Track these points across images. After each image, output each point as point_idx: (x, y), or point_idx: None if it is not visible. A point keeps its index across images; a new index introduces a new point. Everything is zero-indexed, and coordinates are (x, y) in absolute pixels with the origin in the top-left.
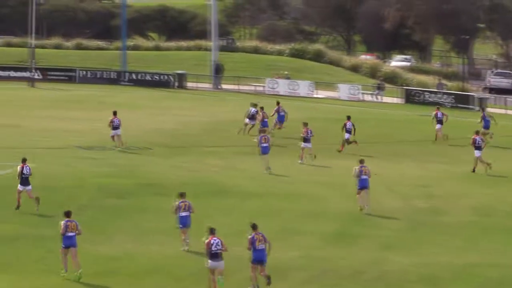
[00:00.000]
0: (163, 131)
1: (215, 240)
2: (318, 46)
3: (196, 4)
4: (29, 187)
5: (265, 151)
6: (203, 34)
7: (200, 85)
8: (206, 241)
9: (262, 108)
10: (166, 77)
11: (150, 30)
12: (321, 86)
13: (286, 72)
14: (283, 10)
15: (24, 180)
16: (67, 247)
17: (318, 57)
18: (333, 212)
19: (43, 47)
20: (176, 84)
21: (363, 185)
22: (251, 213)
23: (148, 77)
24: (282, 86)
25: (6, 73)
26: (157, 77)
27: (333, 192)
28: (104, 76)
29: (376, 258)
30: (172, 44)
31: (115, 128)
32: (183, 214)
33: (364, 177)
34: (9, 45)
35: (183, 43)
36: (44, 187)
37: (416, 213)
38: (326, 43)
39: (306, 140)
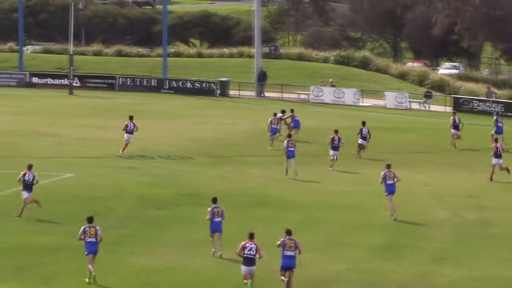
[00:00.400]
0: (204, 140)
1: (250, 244)
2: (364, 53)
3: (240, 10)
4: (29, 194)
5: (290, 155)
6: (247, 41)
7: (243, 93)
8: (242, 243)
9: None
10: (208, 85)
11: (192, 36)
12: (367, 94)
13: (331, 80)
14: (329, 16)
15: (27, 187)
16: (88, 253)
17: (364, 64)
18: (379, 223)
19: (82, 54)
20: (219, 92)
21: (389, 190)
22: (294, 224)
23: (189, 85)
24: (327, 94)
25: (44, 80)
26: (198, 85)
27: (378, 202)
28: (145, 84)
29: (425, 271)
30: (215, 51)
31: (129, 132)
32: (217, 220)
33: (389, 182)
34: (48, 51)
35: (226, 50)
36: (84, 198)
37: (465, 224)
38: (372, 50)
39: (334, 147)
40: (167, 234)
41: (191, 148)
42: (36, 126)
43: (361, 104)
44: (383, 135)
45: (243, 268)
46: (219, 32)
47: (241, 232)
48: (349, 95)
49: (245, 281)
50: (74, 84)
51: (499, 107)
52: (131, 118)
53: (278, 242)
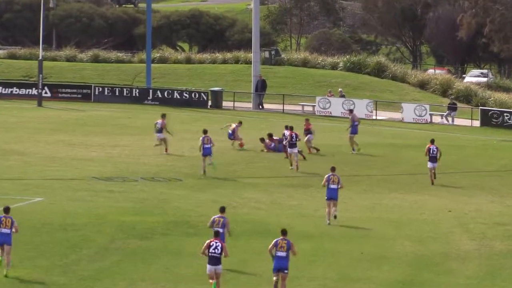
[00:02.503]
0: (194, 159)
1: (215, 243)
2: (378, 59)
3: (235, 9)
4: None
5: (206, 152)
6: (243, 45)
7: (238, 104)
8: (207, 242)
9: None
10: (198, 95)
11: (180, 39)
12: (382, 106)
13: (340, 89)
14: (338, 16)
15: None
16: (1, 244)
17: (378, 71)
18: (398, 255)
19: (53, 59)
20: (210, 103)
21: (330, 195)
22: (302, 257)
23: (177, 95)
24: (336, 106)
25: (9, 90)
26: (187, 95)
27: (397, 232)
28: (125, 94)
29: None
30: (206, 56)
31: (158, 131)
32: (216, 229)
33: (332, 186)
34: (13, 57)
35: (219, 55)
36: (55, 226)
37: (494, 256)
38: (388, 55)
39: (291, 145)
40: (151, 268)
41: (179, 168)
42: (0, 142)
43: (374, 117)
44: (399, 153)
45: (208, 266)
46: (211, 34)
47: (236, 266)
48: (361, 107)
49: (210, 280)
50: (44, 95)
51: None
52: (163, 116)
53: (270, 245)
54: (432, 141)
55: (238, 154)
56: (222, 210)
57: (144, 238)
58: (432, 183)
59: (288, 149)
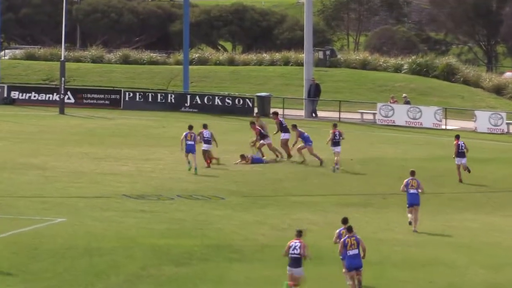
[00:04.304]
0: (237, 175)
1: (295, 243)
2: (448, 60)
3: (284, 3)
4: None
5: (189, 149)
6: (293, 44)
7: (288, 112)
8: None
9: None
10: (242, 101)
11: (221, 38)
12: (452, 114)
13: (405, 95)
14: (402, 11)
15: None
16: None
17: (448, 74)
18: (471, 285)
19: (77, 60)
20: (256, 110)
21: (412, 201)
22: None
23: (218, 102)
24: (399, 114)
25: (27, 95)
26: (230, 101)
27: (469, 257)
28: (159, 100)
29: None
30: (251, 57)
31: (206, 142)
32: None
33: (412, 191)
34: (32, 57)
35: (266, 56)
36: (79, 250)
37: None
38: (459, 55)
39: (334, 143)
40: None
41: (221, 185)
42: (17, 155)
43: (443, 126)
44: (472, 168)
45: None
46: (257, 32)
47: None
48: (428, 115)
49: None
50: (66, 100)
51: None
52: (204, 126)
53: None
54: (458, 137)
55: (289, 169)
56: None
57: (180, 264)
58: (461, 181)
59: (332, 148)
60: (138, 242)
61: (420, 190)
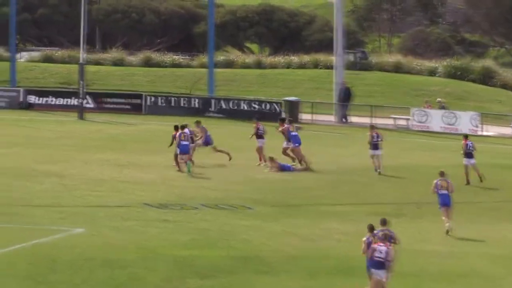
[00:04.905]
0: (265, 183)
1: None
2: (485, 63)
3: (314, 3)
4: None
5: (184, 150)
6: (323, 46)
7: (318, 117)
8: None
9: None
10: (270, 106)
11: (248, 39)
12: (490, 119)
13: (439, 100)
14: (437, 11)
15: None
16: None
17: (485, 78)
18: None
19: (97, 63)
20: (285, 115)
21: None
22: None
23: (245, 106)
24: (435, 119)
25: (44, 100)
26: (257, 106)
27: (507, 270)
28: (183, 105)
29: None
30: (279, 59)
31: (259, 137)
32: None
33: (443, 192)
34: (49, 60)
35: (295, 58)
36: (98, 262)
37: None
38: (496, 58)
39: (374, 146)
40: None
41: (248, 193)
42: (33, 162)
43: (480, 132)
44: (510, 176)
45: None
46: (286, 33)
47: None
48: (464, 121)
49: None
50: (86, 105)
51: None
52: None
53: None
54: (466, 137)
55: (318, 177)
56: (384, 222)
57: (205, 277)
58: (468, 183)
59: (371, 151)
60: (161, 253)
61: (450, 191)
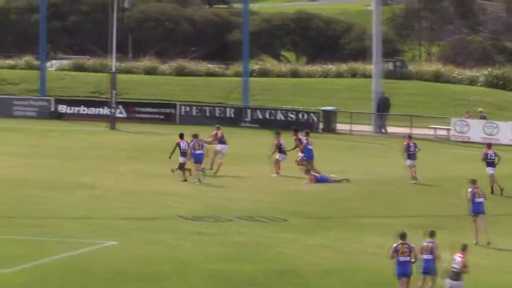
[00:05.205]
0: (301, 195)
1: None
2: None
3: (351, 11)
4: None
5: (198, 159)
6: (361, 55)
7: (356, 127)
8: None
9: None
10: (306, 115)
11: (284, 47)
12: None
13: (480, 110)
14: (477, 19)
15: None
16: None
17: None
18: None
19: (129, 71)
20: (322, 126)
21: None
22: None
23: (280, 116)
24: (475, 130)
25: (75, 109)
26: (293, 116)
27: None
28: (217, 115)
29: None
30: (316, 68)
31: (282, 151)
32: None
33: (478, 200)
34: (80, 68)
35: (332, 67)
36: (131, 276)
37: None
38: None
39: (410, 155)
40: None
41: (283, 205)
42: (64, 174)
43: None
44: None
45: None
46: (322, 41)
47: None
48: (505, 131)
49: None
50: (118, 115)
51: None
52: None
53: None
54: (489, 146)
55: (354, 188)
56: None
57: None
58: (492, 192)
59: (408, 161)
60: (195, 267)
61: (484, 199)
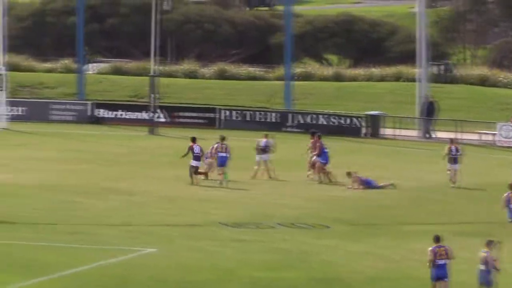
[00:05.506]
0: (344, 201)
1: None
2: None
3: (397, 13)
4: None
5: (222, 162)
6: (406, 58)
7: (401, 132)
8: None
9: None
10: (350, 120)
11: (327, 50)
12: None
13: None
14: None
15: None
16: None
17: None
18: None
19: (169, 75)
20: (366, 130)
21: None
22: None
23: (323, 121)
24: None
25: (113, 114)
26: (336, 121)
27: None
28: (258, 119)
29: None
30: (360, 71)
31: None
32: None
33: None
34: (119, 72)
35: (376, 71)
36: (172, 283)
37: None
38: None
39: (453, 159)
40: None
41: (325, 212)
42: (102, 179)
43: None
44: None
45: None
46: (366, 44)
47: None
48: None
49: None
50: (157, 119)
51: None
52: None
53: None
54: None
55: (400, 194)
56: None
57: None
58: None
59: (449, 165)
60: (237, 274)
61: None
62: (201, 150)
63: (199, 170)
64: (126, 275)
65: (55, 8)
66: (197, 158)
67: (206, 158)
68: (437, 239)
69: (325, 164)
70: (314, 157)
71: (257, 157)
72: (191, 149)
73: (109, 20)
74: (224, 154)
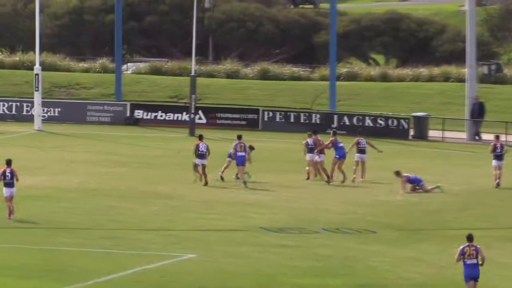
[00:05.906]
0: (390, 206)
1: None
2: None
3: (445, 11)
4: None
5: (240, 161)
6: (454, 57)
7: (448, 134)
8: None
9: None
10: (397, 122)
11: (373, 50)
12: None
13: None
14: None
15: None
16: None
17: None
18: None
19: (209, 75)
20: (413, 132)
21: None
22: None
23: (369, 122)
24: None
25: (152, 115)
26: (383, 122)
27: None
28: (302, 121)
29: None
30: (407, 71)
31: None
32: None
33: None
34: (158, 72)
35: (424, 71)
36: None
37: None
38: None
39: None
40: None
41: (370, 217)
42: (140, 183)
43: None
44: None
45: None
46: (414, 43)
47: None
48: None
49: None
50: (197, 121)
51: None
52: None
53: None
54: None
55: (447, 199)
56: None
57: None
58: None
59: (493, 161)
60: (279, 281)
61: None
62: (207, 148)
63: (205, 171)
64: (165, 282)
65: (93, 6)
66: (201, 156)
67: (229, 156)
68: (469, 238)
69: (339, 159)
70: (316, 156)
71: (308, 156)
72: (197, 146)
73: (147, 18)
74: (242, 154)
